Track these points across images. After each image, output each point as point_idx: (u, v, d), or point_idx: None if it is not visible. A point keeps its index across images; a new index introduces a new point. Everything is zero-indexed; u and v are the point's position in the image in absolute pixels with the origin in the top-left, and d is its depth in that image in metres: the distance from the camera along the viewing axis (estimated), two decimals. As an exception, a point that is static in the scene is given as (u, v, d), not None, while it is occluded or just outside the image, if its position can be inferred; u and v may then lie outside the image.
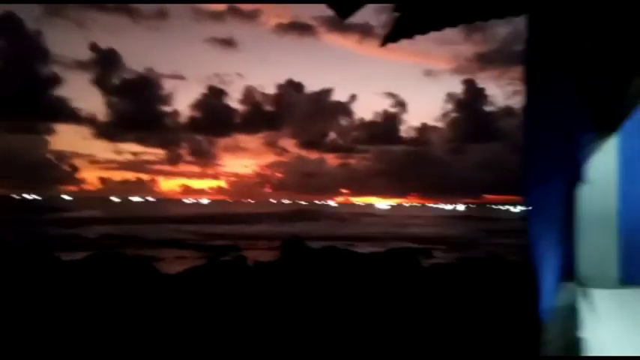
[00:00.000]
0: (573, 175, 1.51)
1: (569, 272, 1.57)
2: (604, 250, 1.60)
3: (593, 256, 1.59)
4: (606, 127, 1.54)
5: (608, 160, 1.60)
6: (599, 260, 1.59)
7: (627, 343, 1.40)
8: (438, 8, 1.42)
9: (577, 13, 1.16)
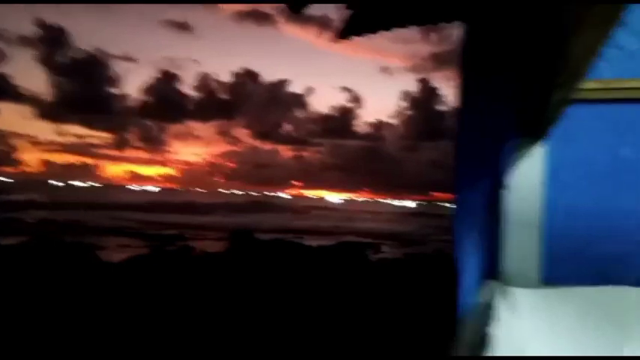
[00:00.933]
0: (500, 179, 1.57)
1: (493, 271, 1.64)
2: (527, 251, 1.67)
3: (517, 256, 1.66)
4: (533, 134, 1.61)
5: (535, 166, 1.68)
6: (521, 260, 1.66)
7: (544, 339, 1.47)
8: (383, 9, 1.44)
9: (507, 22, 1.20)
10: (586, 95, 1.68)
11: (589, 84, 1.66)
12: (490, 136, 1.38)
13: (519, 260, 1.65)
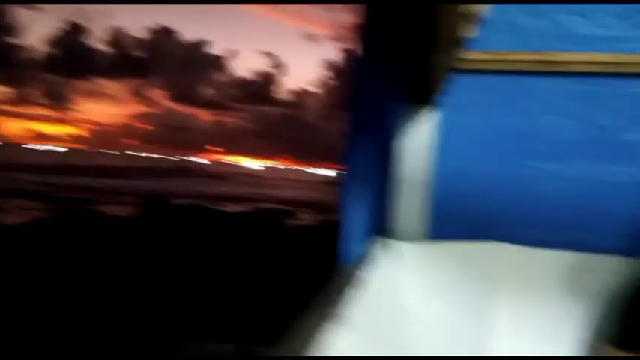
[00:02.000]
0: (389, 143, 1.66)
1: (382, 229, 1.74)
2: (416, 209, 1.79)
3: (406, 214, 1.77)
4: (424, 102, 1.71)
5: (426, 131, 1.79)
6: (410, 219, 1.78)
7: (420, 289, 1.60)
8: None
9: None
10: (476, 66, 1.80)
11: (479, 55, 1.78)
12: (381, 102, 1.44)
13: (408, 218, 1.77)
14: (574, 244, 1.77)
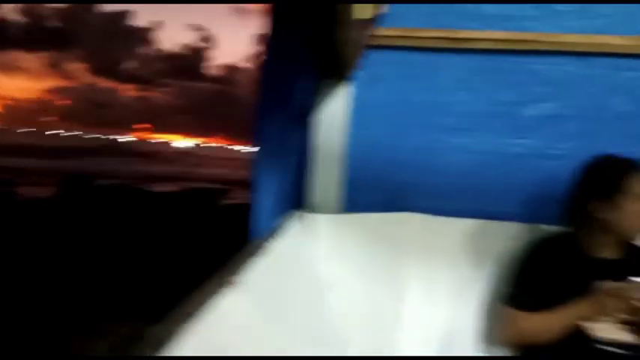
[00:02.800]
0: (303, 116, 1.68)
1: (297, 202, 1.77)
2: (330, 181, 1.84)
3: (321, 187, 1.82)
4: (337, 76, 1.74)
5: (340, 105, 1.83)
6: (325, 190, 1.83)
7: (334, 259, 1.66)
8: None
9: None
10: (387, 42, 1.85)
11: (389, 32, 1.83)
12: (291, 79, 1.45)
13: (324, 191, 1.81)
14: (478, 211, 1.89)
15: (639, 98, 1.81)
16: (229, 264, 0.89)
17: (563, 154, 1.83)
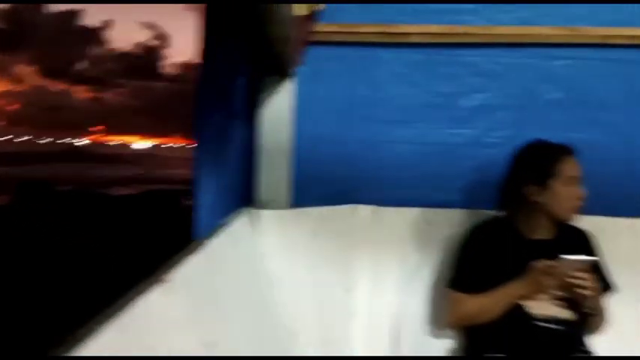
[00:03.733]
0: (246, 113, 1.70)
1: (244, 199, 1.79)
2: (278, 177, 1.86)
3: (269, 183, 1.84)
4: (279, 72, 1.76)
5: (285, 101, 1.85)
6: (273, 186, 1.84)
7: (283, 255, 1.68)
8: None
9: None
10: (328, 38, 1.88)
11: (329, 27, 1.86)
12: (230, 76, 1.45)
13: (271, 187, 1.83)
14: (423, 200, 1.95)
15: (568, 86, 1.90)
16: (166, 263, 0.90)
17: (499, 141, 1.91)
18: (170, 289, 0.75)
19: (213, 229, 1.21)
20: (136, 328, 0.63)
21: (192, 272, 0.87)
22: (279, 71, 1.74)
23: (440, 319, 1.82)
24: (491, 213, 1.79)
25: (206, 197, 1.27)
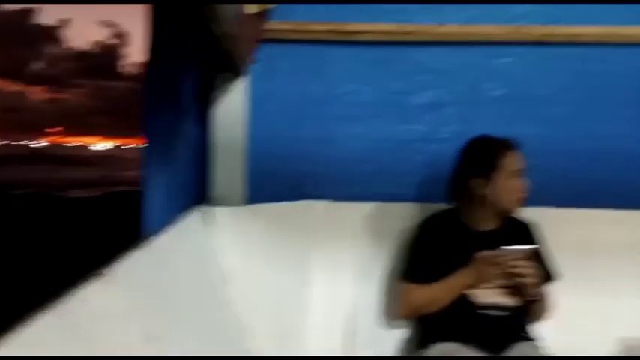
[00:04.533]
0: (198, 110, 1.70)
1: (199, 197, 1.79)
2: (233, 175, 1.87)
3: (223, 181, 1.85)
4: (232, 69, 1.77)
5: (238, 99, 1.86)
6: (228, 184, 1.86)
7: (239, 252, 1.70)
8: None
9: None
10: (281, 36, 1.90)
11: (282, 25, 1.89)
12: (179, 73, 1.45)
13: (226, 184, 1.84)
14: (376, 195, 2.00)
15: (510, 83, 1.98)
16: (109, 259, 0.90)
17: (448, 137, 1.98)
18: (109, 283, 0.76)
19: (161, 226, 1.22)
20: (72, 319, 0.64)
21: (134, 267, 0.88)
22: (232, 69, 1.75)
23: (393, 310, 1.87)
24: (442, 206, 1.85)
25: (155, 195, 1.27)
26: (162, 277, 1.00)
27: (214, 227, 1.67)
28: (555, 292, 1.79)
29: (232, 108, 1.84)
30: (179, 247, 1.20)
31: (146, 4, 1.38)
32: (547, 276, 1.75)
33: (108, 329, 0.72)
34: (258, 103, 1.91)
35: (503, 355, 1.59)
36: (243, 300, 1.65)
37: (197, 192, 1.78)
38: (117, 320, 0.74)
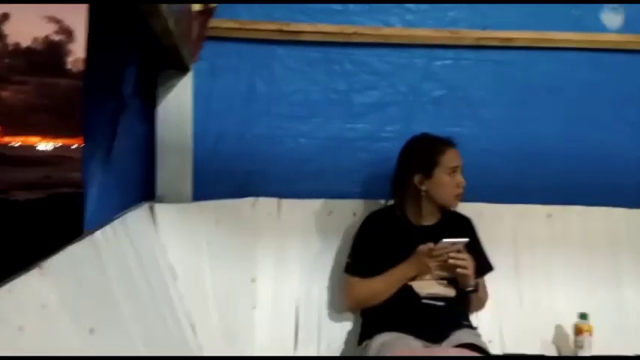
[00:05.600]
0: (141, 108, 1.69)
1: (146, 194, 1.78)
2: (180, 173, 1.87)
3: (170, 179, 1.84)
4: (176, 67, 1.77)
5: (184, 96, 1.86)
6: (175, 182, 1.85)
7: (185, 248, 1.70)
8: None
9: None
10: (225, 34, 1.92)
11: (228, 23, 1.90)
12: (117, 71, 1.44)
13: (171, 181, 1.84)
14: (323, 192, 2.04)
15: (448, 84, 2.07)
16: (44, 255, 0.90)
17: (391, 136, 2.05)
18: (42, 275, 0.76)
19: (102, 223, 1.21)
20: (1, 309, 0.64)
21: (69, 260, 0.88)
22: (176, 66, 1.75)
23: (339, 303, 1.92)
24: (386, 202, 1.92)
25: (96, 194, 1.26)
26: (100, 271, 1.00)
27: (160, 224, 1.66)
28: (491, 283, 1.89)
29: (177, 105, 1.84)
30: (120, 243, 1.19)
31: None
32: (483, 267, 1.85)
33: (39, 320, 0.72)
34: (203, 101, 1.91)
35: (443, 343, 1.65)
36: (190, 296, 1.65)
37: (143, 189, 1.77)
38: (48, 312, 0.74)
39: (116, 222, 1.27)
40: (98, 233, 1.11)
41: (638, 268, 2.10)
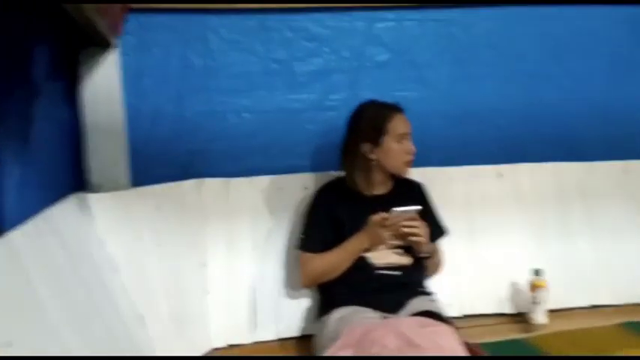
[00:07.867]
0: (61, 91, 1.54)
1: (76, 183, 1.65)
2: (113, 158, 1.74)
3: (103, 165, 1.71)
4: (97, 43, 1.62)
5: (111, 75, 1.72)
6: (109, 168, 1.73)
7: (123, 236, 1.58)
8: None
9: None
10: (154, 5, 1.77)
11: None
12: (27, 51, 1.29)
13: (104, 168, 1.71)
14: (271, 168, 1.96)
15: (392, 48, 2.00)
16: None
17: (337, 104, 1.98)
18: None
19: (21, 220, 1.09)
20: None
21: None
22: (97, 43, 1.60)
23: (295, 280, 1.86)
24: (337, 174, 1.85)
25: (13, 188, 1.13)
26: (19, 275, 0.90)
27: (94, 215, 1.53)
28: (446, 246, 1.87)
29: (104, 85, 1.69)
30: (44, 241, 1.08)
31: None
32: (437, 232, 1.83)
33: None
34: (133, 78, 1.78)
35: (400, 312, 1.63)
36: (135, 288, 1.54)
37: (72, 180, 1.63)
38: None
39: (38, 218, 1.16)
40: (16, 233, 1.00)
41: (588, 219, 2.13)
